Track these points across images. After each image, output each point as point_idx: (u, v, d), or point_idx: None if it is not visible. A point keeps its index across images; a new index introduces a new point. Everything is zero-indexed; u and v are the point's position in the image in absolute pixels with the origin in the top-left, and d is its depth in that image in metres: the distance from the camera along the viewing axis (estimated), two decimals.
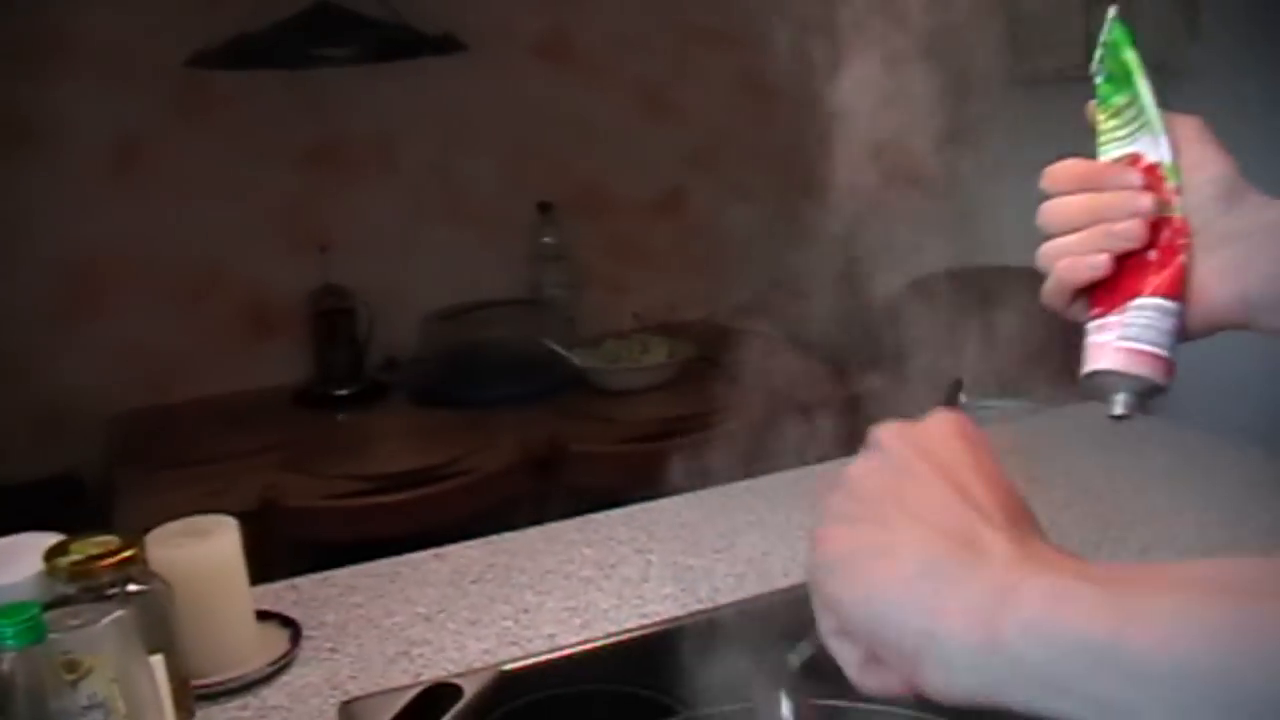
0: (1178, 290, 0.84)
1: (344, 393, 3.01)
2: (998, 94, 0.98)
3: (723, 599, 1.33)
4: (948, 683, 0.60)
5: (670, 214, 3.44)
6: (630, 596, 1.36)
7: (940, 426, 0.70)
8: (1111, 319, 0.85)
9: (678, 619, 1.29)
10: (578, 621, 1.31)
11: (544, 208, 3.20)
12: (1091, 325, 0.87)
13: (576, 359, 2.85)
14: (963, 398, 0.80)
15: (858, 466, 0.70)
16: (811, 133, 1.04)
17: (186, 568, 1.18)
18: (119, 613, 0.90)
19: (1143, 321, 0.84)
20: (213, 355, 3.07)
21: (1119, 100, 0.90)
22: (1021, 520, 0.65)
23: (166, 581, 1.08)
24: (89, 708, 0.88)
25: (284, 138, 3.02)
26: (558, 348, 2.84)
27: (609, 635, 1.27)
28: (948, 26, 1.01)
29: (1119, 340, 0.84)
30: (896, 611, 0.62)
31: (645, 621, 1.30)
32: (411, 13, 2.71)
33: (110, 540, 1.04)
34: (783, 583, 1.36)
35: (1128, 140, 0.88)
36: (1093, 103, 0.93)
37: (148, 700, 0.96)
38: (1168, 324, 0.84)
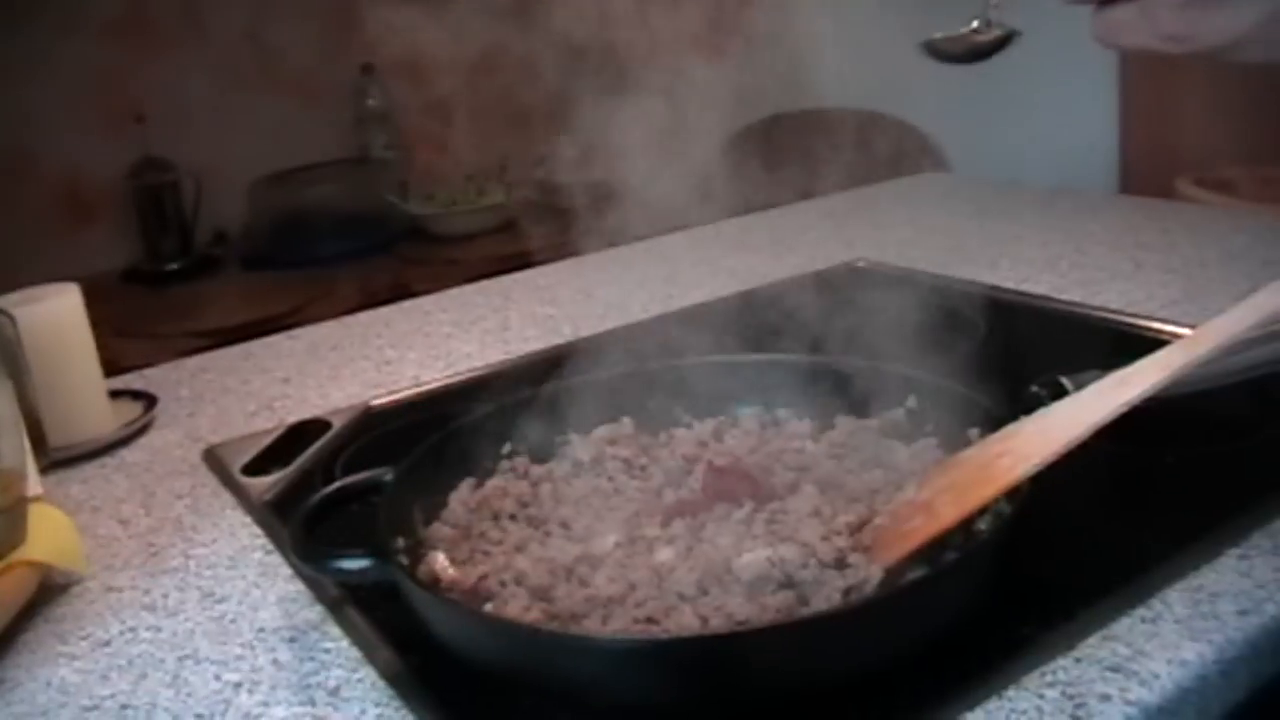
0: None
1: (174, 267, 2.90)
2: None
3: (586, 333, 1.32)
4: None
5: (490, 72, 3.38)
6: (493, 342, 1.35)
7: None
8: None
9: (543, 350, 1.28)
10: (441, 364, 1.29)
11: (366, 69, 3.12)
12: None
13: (413, 207, 2.80)
14: None
15: None
16: None
17: (30, 328, 1.13)
18: None
19: None
20: (29, 246, 2.91)
21: None
22: None
23: (10, 315, 1.03)
24: None
25: (84, 9, 2.89)
26: (393, 198, 2.79)
27: (472, 369, 1.26)
28: None
29: None
30: None
31: (509, 357, 1.29)
32: None
33: None
34: (643, 317, 1.35)
35: None
36: None
37: (4, 416, 0.91)
38: None
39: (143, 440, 1.19)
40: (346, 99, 3.14)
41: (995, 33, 0.80)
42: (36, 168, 2.89)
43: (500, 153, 3.21)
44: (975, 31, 0.81)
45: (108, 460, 1.15)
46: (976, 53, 0.82)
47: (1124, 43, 0.64)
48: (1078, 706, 0.64)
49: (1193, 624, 0.70)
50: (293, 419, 1.18)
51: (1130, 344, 1.16)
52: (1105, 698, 0.65)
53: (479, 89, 3.35)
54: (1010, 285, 1.36)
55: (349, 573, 0.75)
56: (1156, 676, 0.66)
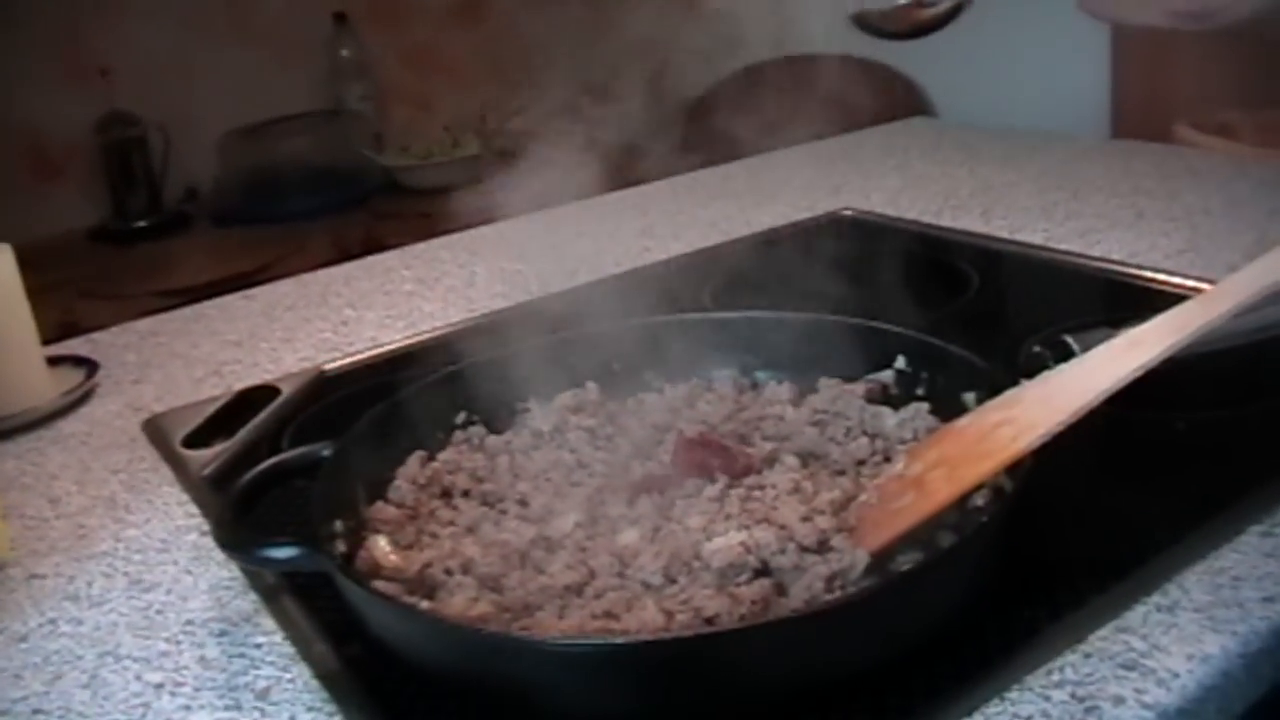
0: None
1: (143, 224, 2.81)
2: None
3: (556, 290, 1.24)
4: None
5: (469, 21, 3.29)
6: (456, 300, 1.27)
7: None
8: None
9: (508, 309, 1.21)
10: (401, 324, 1.22)
11: (339, 19, 3.02)
12: None
13: (387, 160, 2.71)
14: None
15: None
16: None
17: None
18: None
19: None
20: None
21: None
22: None
23: None
24: None
25: None
26: (366, 151, 2.70)
27: (434, 329, 1.18)
28: None
29: None
30: None
31: (473, 315, 1.21)
32: None
33: None
34: (618, 270, 1.28)
35: None
36: None
37: None
38: None
39: (83, 410, 1.12)
40: (319, 49, 3.04)
41: (944, 5, 0.71)
42: None
43: (479, 104, 3.12)
44: (920, 4, 0.72)
45: (44, 432, 1.08)
46: (919, 29, 0.73)
47: (1131, 20, 0.57)
48: (1089, 710, 0.57)
49: (1214, 613, 0.63)
50: (241, 385, 1.10)
51: (1134, 297, 1.09)
52: (1119, 700, 0.58)
53: (457, 38, 3.26)
54: (1004, 235, 1.29)
55: (277, 562, 0.67)
56: (1175, 675, 0.59)
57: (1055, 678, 0.59)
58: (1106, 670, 0.60)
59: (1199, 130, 1.92)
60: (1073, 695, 0.58)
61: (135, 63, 2.81)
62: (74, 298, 2.45)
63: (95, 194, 2.85)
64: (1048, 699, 0.58)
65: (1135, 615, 0.64)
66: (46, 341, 1.23)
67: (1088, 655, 0.61)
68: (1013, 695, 0.59)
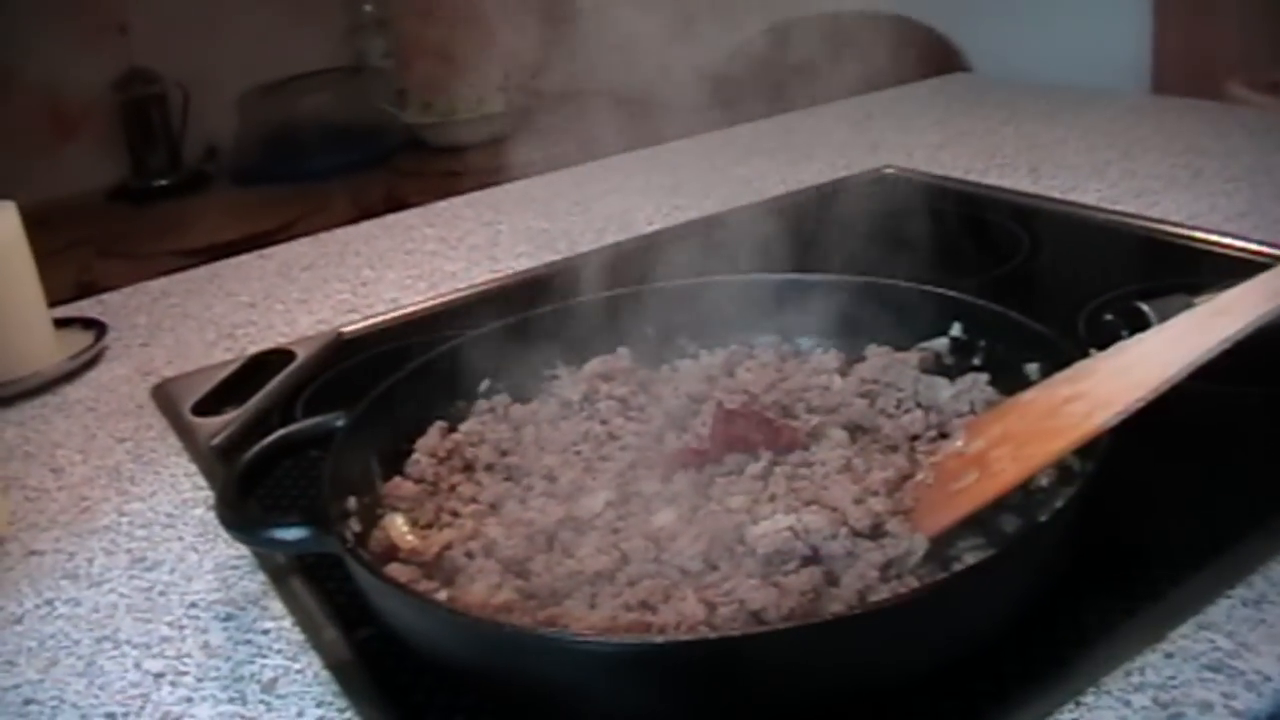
0: None
1: (163, 183, 2.77)
2: None
3: (584, 249, 1.19)
4: None
5: None
6: (480, 260, 1.22)
7: None
8: None
9: (534, 269, 1.15)
10: (423, 285, 1.17)
11: None
12: None
13: (409, 117, 2.66)
14: None
15: None
16: None
17: None
18: None
19: None
20: (10, 165, 2.77)
21: None
22: None
23: None
24: None
25: None
26: (389, 107, 2.65)
27: (456, 290, 1.13)
28: None
29: None
30: None
31: (497, 276, 1.16)
32: None
33: None
34: (648, 230, 1.22)
35: None
36: None
37: None
38: None
39: (90, 374, 1.07)
40: (341, 4, 2.98)
41: None
42: (16, 83, 2.74)
43: (502, 59, 3.05)
44: None
45: (49, 398, 1.03)
46: None
47: None
48: (1173, 717, 0.51)
49: None
50: (254, 349, 1.05)
51: (1197, 261, 1.03)
52: (1206, 706, 0.52)
53: None
54: (1055, 195, 1.22)
55: (284, 545, 0.62)
56: (1267, 678, 0.53)
57: (1135, 680, 0.54)
58: (1190, 672, 0.54)
59: (1252, 88, 1.85)
60: (1155, 700, 0.53)
61: (154, 19, 2.75)
62: (92, 257, 2.41)
63: (114, 152, 2.81)
64: (1128, 704, 0.53)
65: (1218, 610, 0.58)
66: (65, 301, 1.18)
67: (1169, 655, 0.55)
68: (1089, 700, 0.53)
